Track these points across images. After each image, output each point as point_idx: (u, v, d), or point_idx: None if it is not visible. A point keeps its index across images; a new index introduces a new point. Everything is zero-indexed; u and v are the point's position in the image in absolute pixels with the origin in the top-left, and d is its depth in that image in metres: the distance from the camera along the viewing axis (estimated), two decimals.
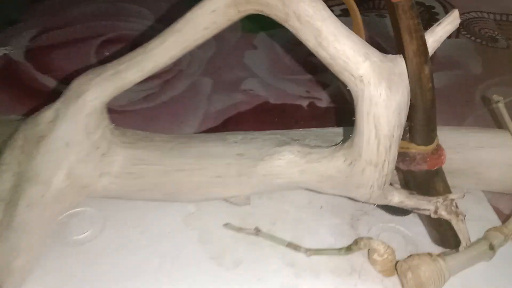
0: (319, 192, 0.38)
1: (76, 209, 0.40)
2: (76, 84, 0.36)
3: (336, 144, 0.36)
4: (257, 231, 0.39)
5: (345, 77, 0.31)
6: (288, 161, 0.36)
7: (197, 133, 0.55)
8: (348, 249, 0.38)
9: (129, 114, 0.57)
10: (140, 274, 0.37)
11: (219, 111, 0.59)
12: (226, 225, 0.40)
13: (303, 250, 0.38)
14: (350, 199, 0.43)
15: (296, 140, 0.38)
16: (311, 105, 0.61)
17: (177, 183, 0.37)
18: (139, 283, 0.36)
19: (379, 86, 0.30)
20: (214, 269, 0.37)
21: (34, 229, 0.34)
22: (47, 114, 0.36)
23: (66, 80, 0.62)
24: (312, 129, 0.43)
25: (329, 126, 0.48)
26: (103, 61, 0.66)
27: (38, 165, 0.34)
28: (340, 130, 0.43)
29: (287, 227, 0.41)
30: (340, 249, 0.38)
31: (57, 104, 0.36)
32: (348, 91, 0.32)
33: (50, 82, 0.61)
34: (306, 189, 0.38)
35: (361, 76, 0.30)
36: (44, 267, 0.36)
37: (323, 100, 0.62)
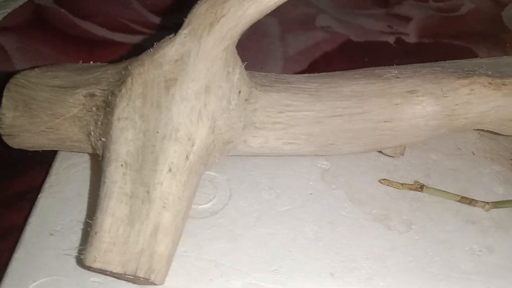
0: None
1: None
2: (205, 7, 0.27)
3: None
4: (421, 186, 0.33)
5: None
6: (479, 96, 0.29)
7: None
8: None
9: None
10: (292, 246, 0.30)
11: (300, 52, 0.51)
12: (383, 180, 0.33)
13: (480, 204, 0.32)
14: (501, 141, 0.37)
15: (470, 71, 0.31)
16: (399, 41, 0.54)
17: (333, 132, 0.30)
18: (294, 257, 0.29)
19: None
20: (386, 234, 0.30)
21: (178, 201, 0.26)
22: (171, 51, 0.27)
23: (110, 26, 0.52)
24: (474, 59, 0.36)
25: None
26: (145, 4, 0.57)
27: (174, 118, 0.26)
28: None
29: (445, 179, 0.34)
30: None
31: (181, 37, 0.27)
32: None
33: (96, 29, 0.51)
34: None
35: None
36: None
37: (410, 35, 0.55)
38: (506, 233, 0.31)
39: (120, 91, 0.27)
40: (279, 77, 0.32)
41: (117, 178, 0.26)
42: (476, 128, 0.31)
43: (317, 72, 0.49)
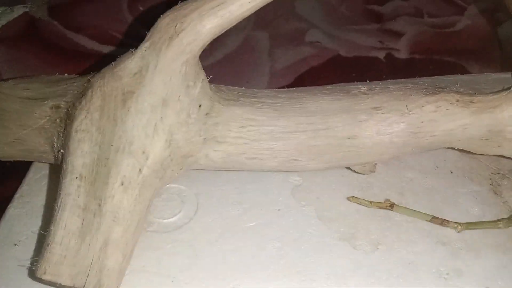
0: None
1: None
2: (165, 22, 0.27)
3: (506, 89, 0.28)
4: (391, 205, 0.32)
5: None
6: (446, 113, 0.28)
7: None
8: (510, 220, 0.31)
9: None
10: (253, 263, 0.29)
11: (287, 67, 0.51)
12: (352, 198, 0.32)
13: (451, 224, 0.31)
14: (482, 161, 0.36)
15: (440, 87, 0.30)
16: (388, 56, 0.53)
17: (296, 148, 0.29)
18: (254, 275, 0.29)
19: None
20: (351, 254, 0.30)
21: (129, 215, 0.25)
22: (131, 64, 0.27)
23: (101, 38, 0.53)
24: (453, 76, 0.35)
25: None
26: (139, 17, 0.58)
27: (129, 131, 0.26)
28: (495, 76, 0.35)
29: (419, 198, 0.33)
30: (496, 221, 0.31)
31: (142, 51, 0.27)
32: None
33: (86, 42, 0.52)
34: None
35: None
36: None
37: (401, 50, 0.54)
38: (477, 256, 0.30)
39: (80, 103, 0.27)
40: (246, 91, 0.31)
41: (71, 190, 0.26)
42: (446, 147, 0.31)
43: (304, 86, 0.49)
